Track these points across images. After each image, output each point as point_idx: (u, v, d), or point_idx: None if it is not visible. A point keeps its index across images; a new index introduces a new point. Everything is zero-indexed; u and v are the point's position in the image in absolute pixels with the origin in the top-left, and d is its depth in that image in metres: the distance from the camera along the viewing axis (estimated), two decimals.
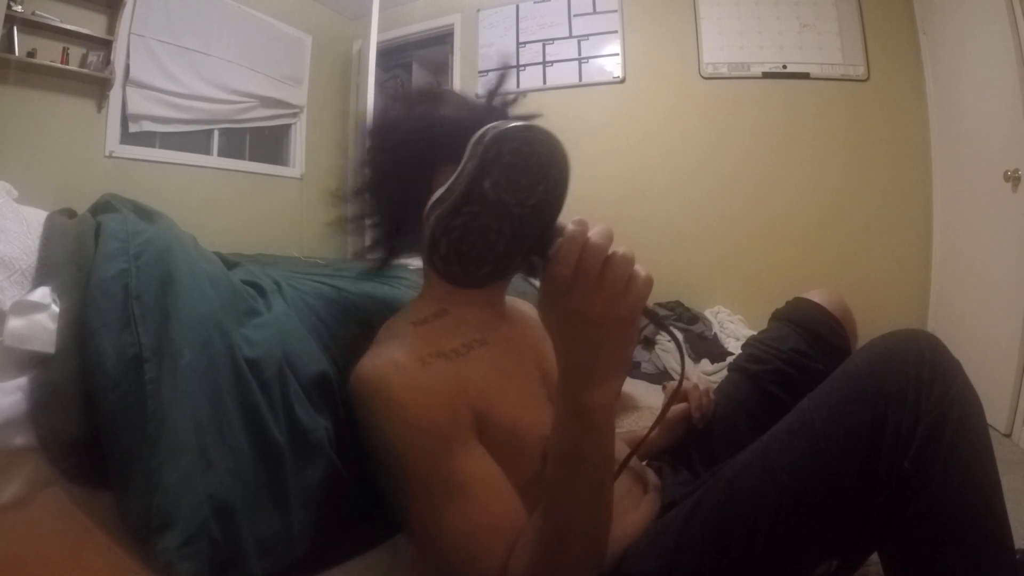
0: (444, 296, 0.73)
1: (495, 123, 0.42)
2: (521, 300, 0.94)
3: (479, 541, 0.57)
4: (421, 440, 0.59)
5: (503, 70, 0.81)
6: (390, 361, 0.63)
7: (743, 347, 1.03)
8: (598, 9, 3.31)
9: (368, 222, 0.79)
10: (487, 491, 0.59)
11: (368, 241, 0.81)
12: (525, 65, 3.44)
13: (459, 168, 0.41)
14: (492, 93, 0.76)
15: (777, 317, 1.02)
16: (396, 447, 0.60)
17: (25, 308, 0.55)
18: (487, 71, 3.51)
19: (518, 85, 3.42)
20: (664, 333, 2.67)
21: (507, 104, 0.77)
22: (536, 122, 0.45)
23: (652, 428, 0.64)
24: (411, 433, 0.59)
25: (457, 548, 0.57)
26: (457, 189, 0.40)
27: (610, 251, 0.45)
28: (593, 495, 0.52)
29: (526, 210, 0.41)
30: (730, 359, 2.10)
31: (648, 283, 0.47)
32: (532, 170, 0.40)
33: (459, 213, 0.39)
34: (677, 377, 2.55)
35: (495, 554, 0.56)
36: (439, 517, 0.58)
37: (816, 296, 0.98)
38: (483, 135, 0.40)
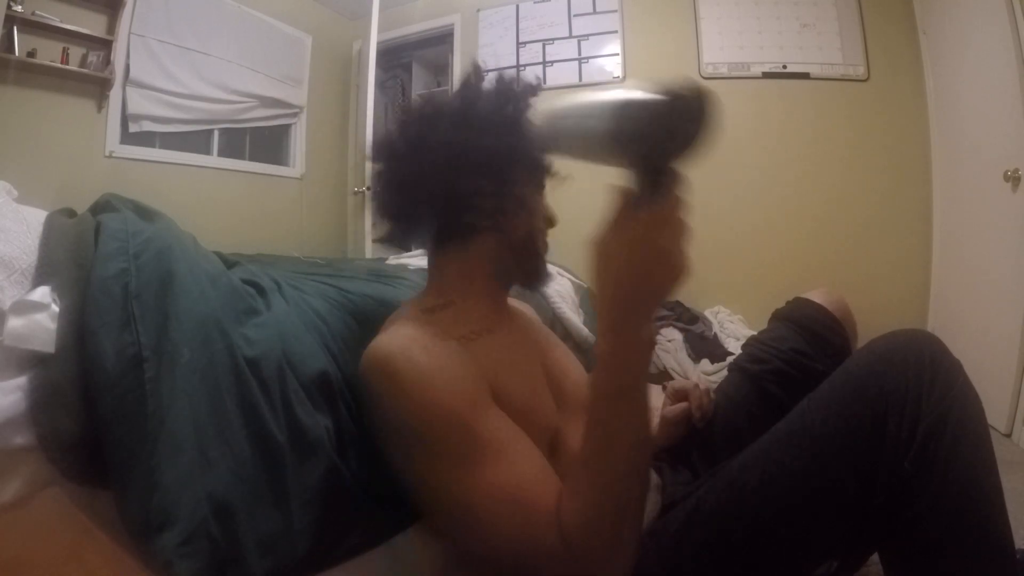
0: (449, 290, 0.75)
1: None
2: (520, 301, 0.95)
3: (526, 492, 0.56)
4: (449, 403, 0.59)
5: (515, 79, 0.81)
6: (407, 336, 0.65)
7: (743, 347, 1.03)
8: (598, 9, 3.31)
9: (392, 210, 0.79)
10: (522, 446, 0.59)
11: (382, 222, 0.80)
12: (525, 65, 3.44)
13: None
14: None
15: (777, 317, 1.02)
16: (422, 416, 0.59)
17: (25, 308, 0.55)
18: (487, 71, 3.50)
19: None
20: (663, 332, 2.67)
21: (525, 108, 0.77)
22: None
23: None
24: (438, 397, 0.59)
25: (504, 504, 0.56)
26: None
27: None
28: (641, 425, 0.54)
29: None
30: (730, 359, 2.10)
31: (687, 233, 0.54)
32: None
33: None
34: (677, 377, 2.55)
35: (545, 502, 0.55)
36: (479, 478, 0.56)
37: (816, 296, 0.98)
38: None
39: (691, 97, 0.49)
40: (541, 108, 0.57)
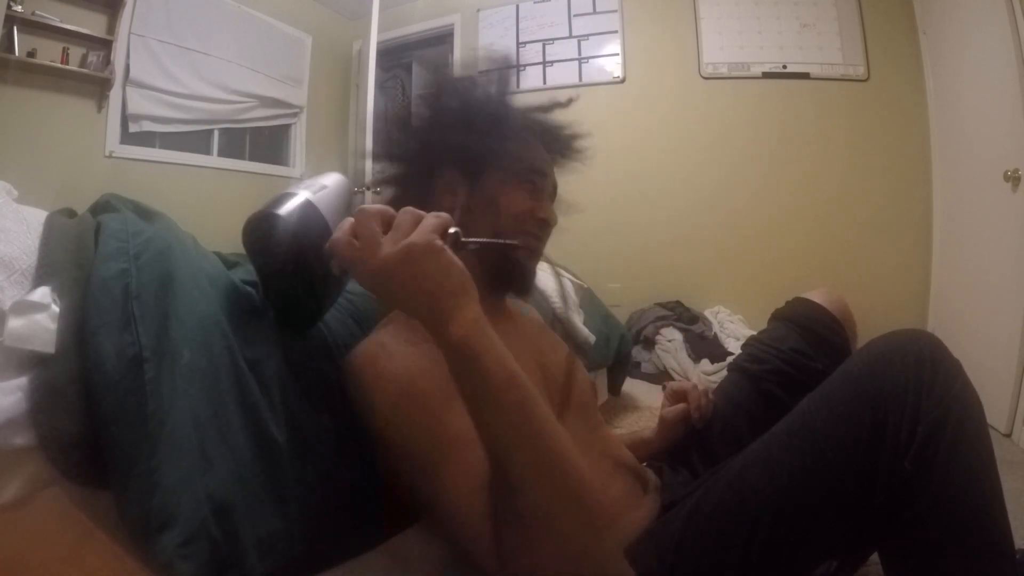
0: None
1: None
2: (519, 300, 0.94)
3: (481, 495, 0.52)
4: (407, 406, 0.59)
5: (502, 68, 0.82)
6: (375, 342, 0.67)
7: (743, 347, 1.03)
8: (598, 9, 3.31)
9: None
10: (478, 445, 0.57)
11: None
12: (525, 65, 3.44)
13: None
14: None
15: (777, 317, 1.02)
16: (389, 420, 0.61)
17: (25, 308, 0.55)
18: (487, 71, 3.50)
19: (518, 85, 3.42)
20: (663, 332, 2.67)
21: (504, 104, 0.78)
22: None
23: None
24: (397, 401, 0.60)
25: (461, 508, 0.54)
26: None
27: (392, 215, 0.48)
28: (519, 417, 0.47)
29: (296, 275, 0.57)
30: (730, 359, 2.10)
31: (439, 217, 0.48)
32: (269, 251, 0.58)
33: (269, 288, 0.59)
34: (677, 377, 2.55)
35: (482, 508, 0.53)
36: (440, 479, 0.56)
37: (816, 296, 0.98)
38: None
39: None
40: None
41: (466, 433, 0.52)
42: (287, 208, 0.58)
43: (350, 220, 0.48)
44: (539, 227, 0.75)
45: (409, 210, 0.48)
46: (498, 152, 0.72)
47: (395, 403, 0.60)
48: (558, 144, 0.82)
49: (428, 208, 0.58)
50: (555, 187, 0.81)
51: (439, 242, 0.47)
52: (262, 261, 0.61)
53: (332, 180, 0.66)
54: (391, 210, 0.48)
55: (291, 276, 0.54)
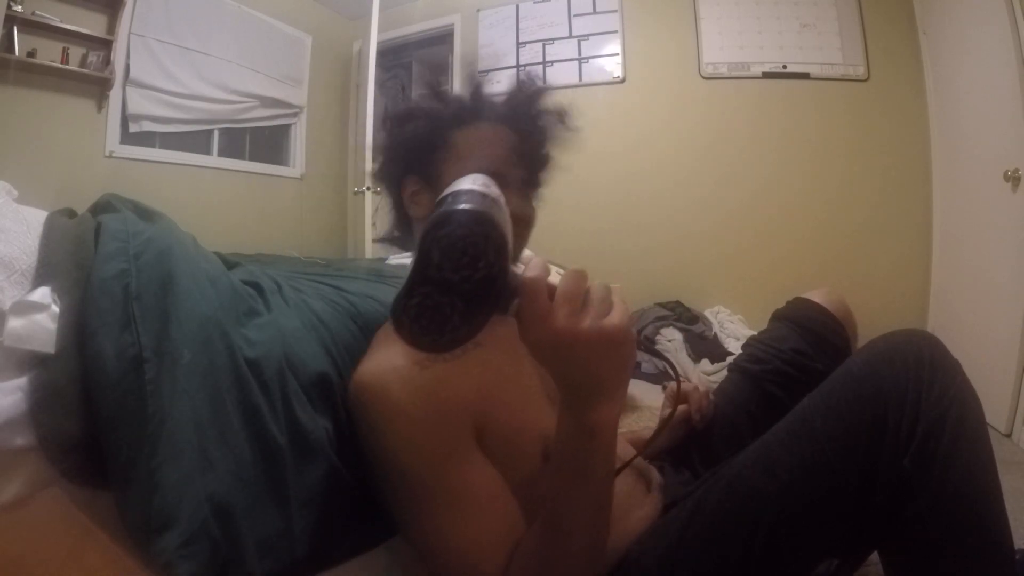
0: None
1: (439, 210, 0.45)
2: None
3: (480, 550, 0.57)
4: (422, 448, 0.59)
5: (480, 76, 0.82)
6: (389, 368, 0.62)
7: (743, 347, 1.03)
8: (598, 9, 3.31)
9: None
10: (488, 501, 0.59)
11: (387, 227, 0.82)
12: (525, 65, 3.44)
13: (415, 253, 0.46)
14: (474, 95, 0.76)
15: (777, 317, 1.02)
16: (397, 455, 0.60)
17: (25, 308, 0.55)
18: (487, 71, 3.51)
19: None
20: (663, 332, 2.67)
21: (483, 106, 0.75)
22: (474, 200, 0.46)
23: (650, 440, 0.64)
24: (412, 441, 0.59)
25: (457, 556, 0.57)
26: (410, 273, 0.44)
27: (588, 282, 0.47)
28: (594, 508, 0.53)
29: (473, 284, 0.44)
30: (730, 359, 2.10)
31: (628, 310, 0.48)
32: (470, 249, 0.44)
33: (413, 294, 0.44)
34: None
35: (495, 563, 0.56)
36: (439, 525, 0.58)
37: (816, 296, 0.98)
38: (430, 221, 0.45)
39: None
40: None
41: (478, 483, 0.59)
42: (495, 218, 0.47)
43: (543, 265, 0.45)
44: (520, 225, 0.70)
45: (605, 285, 0.48)
46: (448, 146, 0.71)
47: (407, 444, 0.59)
48: (527, 123, 0.75)
49: (399, 214, 0.59)
50: (528, 180, 0.74)
51: (634, 332, 0.48)
52: (457, 264, 0.45)
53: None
54: (587, 275, 0.47)
55: (473, 287, 0.44)
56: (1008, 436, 1.79)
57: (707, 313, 2.90)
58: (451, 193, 0.47)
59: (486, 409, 0.63)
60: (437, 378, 0.61)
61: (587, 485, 0.51)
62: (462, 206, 0.45)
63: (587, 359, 0.46)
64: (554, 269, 0.90)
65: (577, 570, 0.53)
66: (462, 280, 0.44)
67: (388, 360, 0.63)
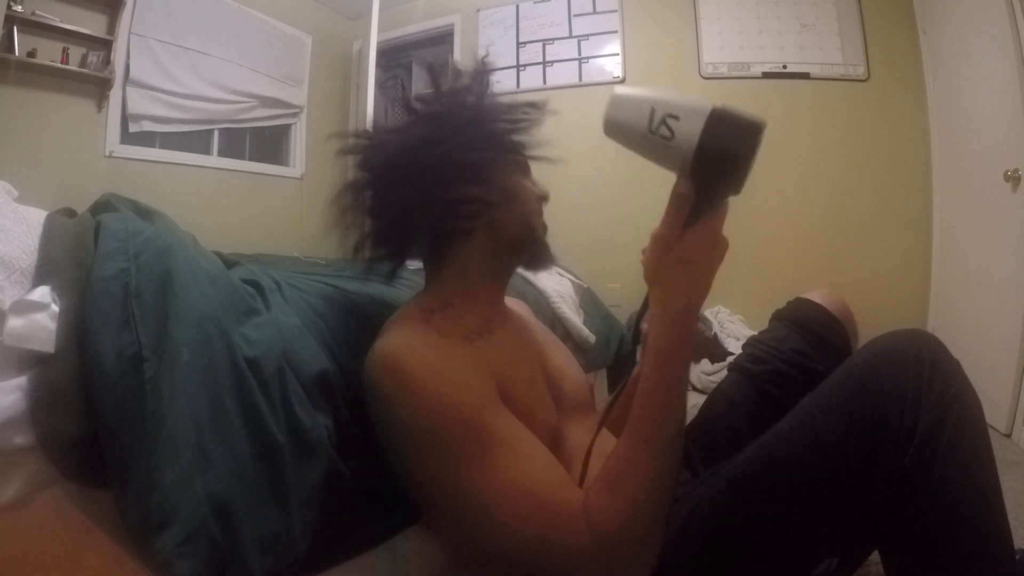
0: (447, 292, 0.75)
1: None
2: (517, 301, 0.94)
3: (547, 490, 0.56)
4: (462, 399, 0.59)
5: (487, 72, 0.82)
6: (412, 334, 0.66)
7: (743, 347, 1.02)
8: (598, 9, 3.31)
9: (372, 230, 0.79)
10: (535, 444, 0.60)
11: (371, 248, 0.80)
12: (525, 65, 3.44)
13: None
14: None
15: (777, 317, 1.02)
16: (440, 414, 0.58)
17: (25, 308, 0.54)
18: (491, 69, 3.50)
19: (518, 85, 3.42)
20: None
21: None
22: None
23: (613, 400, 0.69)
24: (451, 396, 0.59)
25: (525, 502, 0.55)
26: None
27: None
28: (683, 420, 0.57)
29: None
30: (730, 359, 2.10)
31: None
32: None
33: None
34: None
35: (568, 499, 0.55)
36: (501, 473, 0.56)
37: (816, 296, 0.98)
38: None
39: (757, 125, 0.50)
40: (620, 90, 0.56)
41: (519, 428, 0.60)
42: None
43: None
44: (542, 201, 0.80)
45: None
46: (496, 144, 0.74)
47: (444, 395, 0.59)
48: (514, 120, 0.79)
49: (441, 221, 0.70)
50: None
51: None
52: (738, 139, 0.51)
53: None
54: None
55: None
56: (1008, 436, 1.79)
57: (707, 313, 2.90)
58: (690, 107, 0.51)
59: (504, 384, 0.65)
60: (459, 345, 0.65)
61: (680, 396, 0.57)
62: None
63: (715, 263, 0.56)
64: (559, 271, 0.90)
65: (664, 490, 0.55)
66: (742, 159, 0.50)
67: (410, 331, 0.67)
